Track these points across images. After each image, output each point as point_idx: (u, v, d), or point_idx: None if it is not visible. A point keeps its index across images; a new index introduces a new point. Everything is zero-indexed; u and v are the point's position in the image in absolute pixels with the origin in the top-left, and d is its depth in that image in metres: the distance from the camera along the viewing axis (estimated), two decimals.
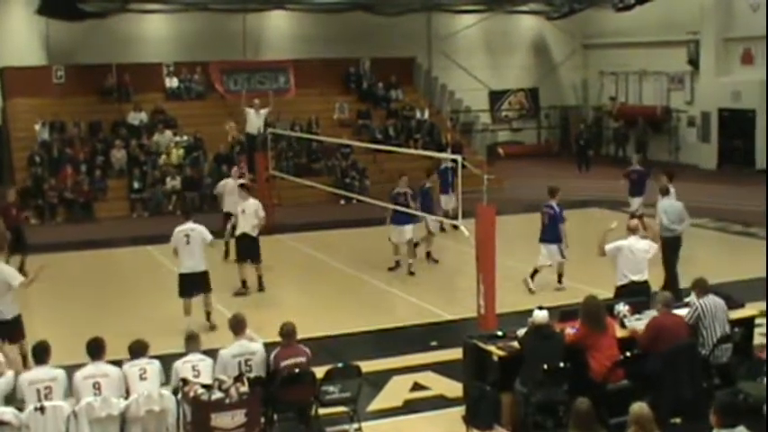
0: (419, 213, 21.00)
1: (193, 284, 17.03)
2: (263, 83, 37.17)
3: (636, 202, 24.48)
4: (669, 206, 18.65)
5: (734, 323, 13.09)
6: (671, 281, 17.65)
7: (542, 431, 11.41)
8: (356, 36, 38.69)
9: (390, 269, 21.53)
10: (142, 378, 10.98)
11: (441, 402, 13.14)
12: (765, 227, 21.35)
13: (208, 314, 17.19)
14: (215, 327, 16.66)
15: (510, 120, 45.01)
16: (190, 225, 17.17)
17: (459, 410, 12.33)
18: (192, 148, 33.02)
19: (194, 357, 11.43)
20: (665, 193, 19.16)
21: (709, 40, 38.33)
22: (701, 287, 12.85)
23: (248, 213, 19.72)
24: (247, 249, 19.81)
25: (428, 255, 22.35)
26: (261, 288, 19.80)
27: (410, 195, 21.14)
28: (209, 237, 17.25)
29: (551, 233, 19.31)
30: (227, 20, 37.55)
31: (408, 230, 21.08)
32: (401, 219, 20.87)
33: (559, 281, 19.50)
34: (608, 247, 15.15)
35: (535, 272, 19.46)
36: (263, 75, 37.75)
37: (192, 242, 16.95)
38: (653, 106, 41.11)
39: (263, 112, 31.43)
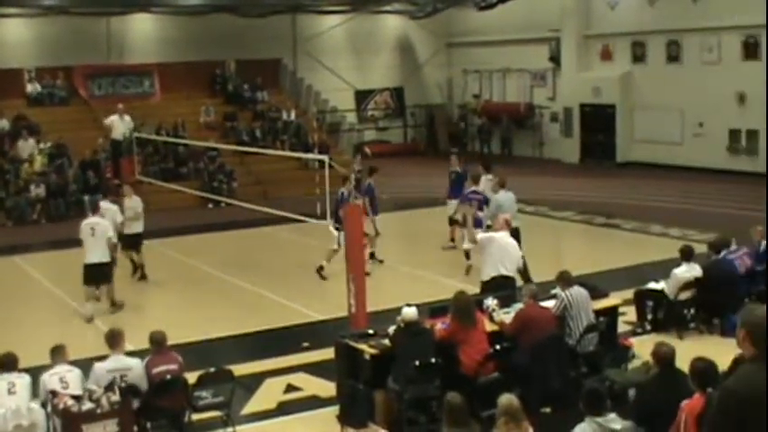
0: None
1: (97, 275, 17.88)
2: (128, 87, 36.79)
3: (454, 204, 22.06)
4: (506, 199, 18.89)
5: (599, 313, 13.46)
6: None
7: (416, 427, 11.48)
8: (221, 38, 38.41)
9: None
10: (11, 392, 10.71)
11: (314, 403, 13.14)
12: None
13: (112, 300, 18.25)
14: (122, 305, 18.24)
15: (376, 119, 45.32)
16: (96, 219, 18.25)
17: (334, 410, 12.38)
18: (57, 154, 32.33)
19: (61, 369, 11.20)
20: (502, 185, 19.34)
21: (569, 37, 39.24)
22: (565, 279, 13.18)
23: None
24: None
25: (372, 255, 21.41)
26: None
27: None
28: (112, 233, 18.15)
29: (478, 219, 19.41)
30: (89, 23, 36.91)
31: None
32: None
33: None
34: (480, 235, 15.41)
35: (467, 255, 19.68)
36: (128, 79, 37.31)
37: (97, 235, 17.84)
38: (516, 103, 41.82)
39: (128, 117, 31.01)
